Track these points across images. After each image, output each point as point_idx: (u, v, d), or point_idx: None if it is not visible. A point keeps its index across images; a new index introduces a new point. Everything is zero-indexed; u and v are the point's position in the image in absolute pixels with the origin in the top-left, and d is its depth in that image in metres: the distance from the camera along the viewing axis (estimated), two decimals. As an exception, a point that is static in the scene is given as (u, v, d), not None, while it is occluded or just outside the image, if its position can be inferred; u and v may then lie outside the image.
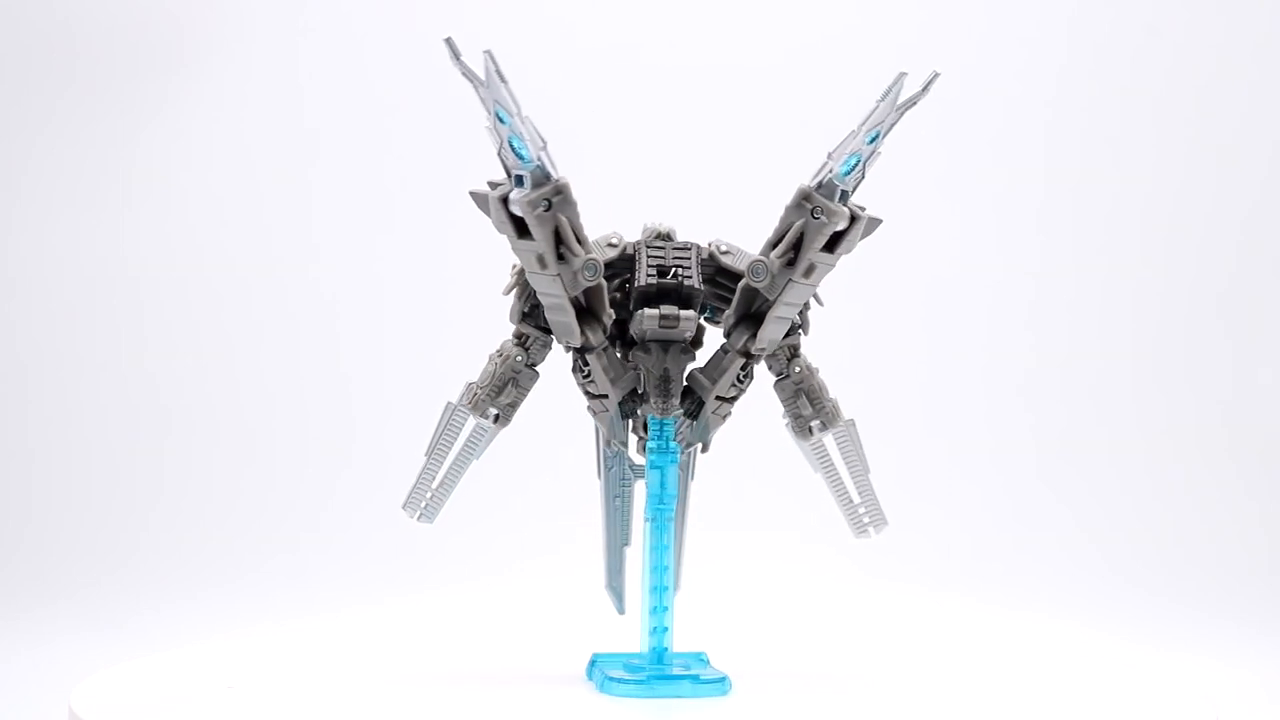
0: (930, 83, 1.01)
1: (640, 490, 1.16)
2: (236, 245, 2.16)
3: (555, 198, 1.02)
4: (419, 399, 2.07)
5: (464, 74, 0.99)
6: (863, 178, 1.04)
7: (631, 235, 1.12)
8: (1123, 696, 1.17)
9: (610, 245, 1.11)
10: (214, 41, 2.19)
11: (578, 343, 1.09)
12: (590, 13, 2.19)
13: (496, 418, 1.11)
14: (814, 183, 1.04)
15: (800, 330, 1.13)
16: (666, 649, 1.12)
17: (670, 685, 1.09)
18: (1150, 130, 2.16)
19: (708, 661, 1.14)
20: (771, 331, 1.09)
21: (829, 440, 1.13)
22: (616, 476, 1.18)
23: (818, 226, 1.03)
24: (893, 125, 1.02)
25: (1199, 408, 2.10)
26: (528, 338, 1.12)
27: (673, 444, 1.11)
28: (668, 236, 1.11)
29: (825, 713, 1.08)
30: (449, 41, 0.98)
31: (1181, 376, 2.11)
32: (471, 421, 1.11)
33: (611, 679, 1.10)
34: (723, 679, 1.10)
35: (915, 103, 1.01)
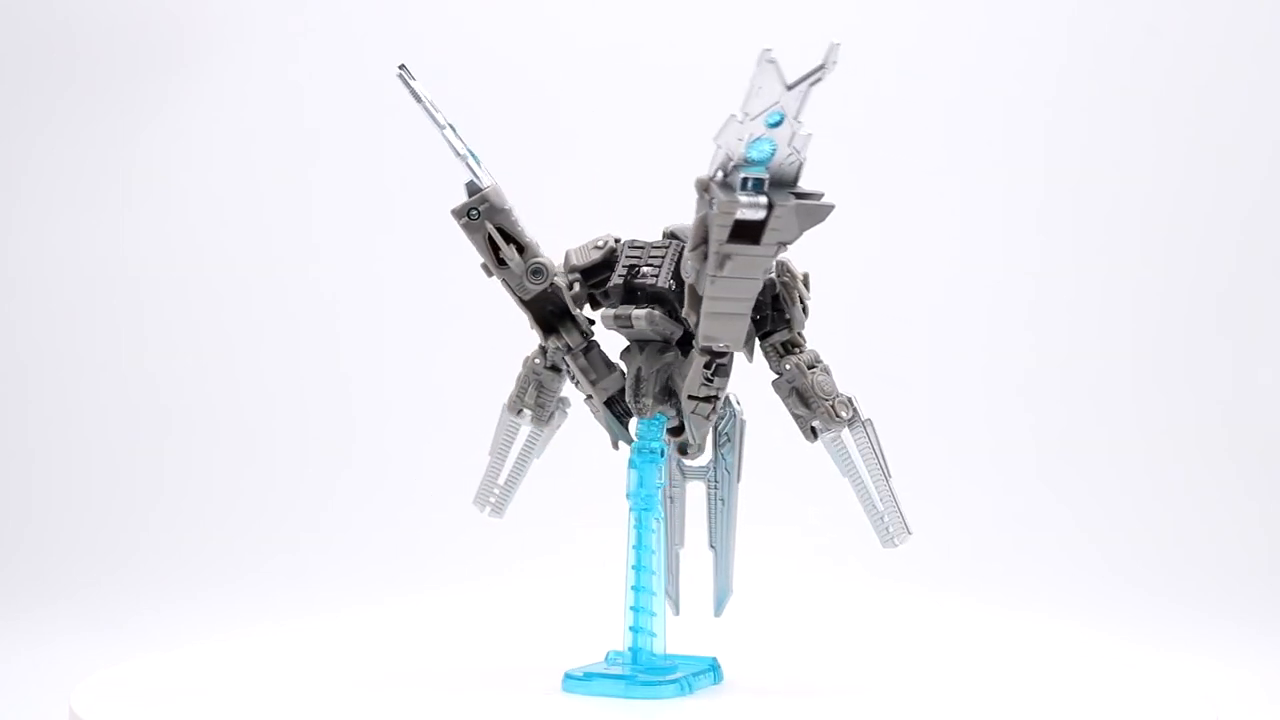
0: (831, 54, 0.91)
1: (690, 491, 1.16)
2: (236, 245, 2.16)
3: (481, 206, 1.07)
4: (419, 399, 2.09)
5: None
6: (799, 162, 0.96)
7: (649, 236, 1.11)
8: (1123, 696, 1.17)
9: (595, 248, 1.11)
10: (214, 41, 2.19)
11: (545, 344, 1.11)
12: (590, 13, 2.19)
13: (532, 418, 1.14)
14: (713, 171, 0.97)
15: (787, 326, 1.09)
16: (643, 649, 1.11)
17: (610, 684, 1.09)
18: (1150, 130, 2.16)
19: (715, 667, 1.14)
20: (710, 327, 1.02)
21: (849, 443, 1.08)
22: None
23: (714, 216, 0.97)
24: (802, 103, 0.93)
25: (1199, 408, 2.10)
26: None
27: (654, 444, 1.10)
28: (673, 236, 1.10)
29: (820, 713, 1.08)
30: (402, 68, 1.06)
31: (1181, 376, 2.11)
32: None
33: (570, 677, 1.10)
34: (676, 682, 1.09)
35: (819, 78, 0.92)
